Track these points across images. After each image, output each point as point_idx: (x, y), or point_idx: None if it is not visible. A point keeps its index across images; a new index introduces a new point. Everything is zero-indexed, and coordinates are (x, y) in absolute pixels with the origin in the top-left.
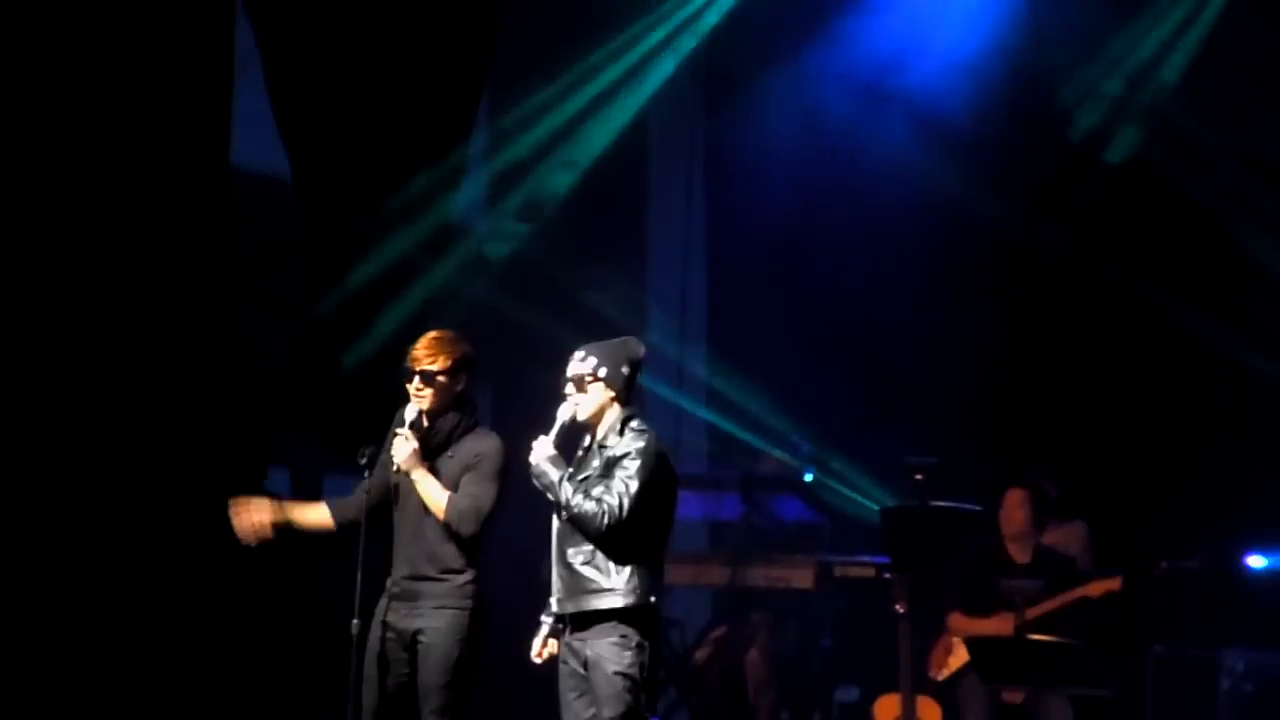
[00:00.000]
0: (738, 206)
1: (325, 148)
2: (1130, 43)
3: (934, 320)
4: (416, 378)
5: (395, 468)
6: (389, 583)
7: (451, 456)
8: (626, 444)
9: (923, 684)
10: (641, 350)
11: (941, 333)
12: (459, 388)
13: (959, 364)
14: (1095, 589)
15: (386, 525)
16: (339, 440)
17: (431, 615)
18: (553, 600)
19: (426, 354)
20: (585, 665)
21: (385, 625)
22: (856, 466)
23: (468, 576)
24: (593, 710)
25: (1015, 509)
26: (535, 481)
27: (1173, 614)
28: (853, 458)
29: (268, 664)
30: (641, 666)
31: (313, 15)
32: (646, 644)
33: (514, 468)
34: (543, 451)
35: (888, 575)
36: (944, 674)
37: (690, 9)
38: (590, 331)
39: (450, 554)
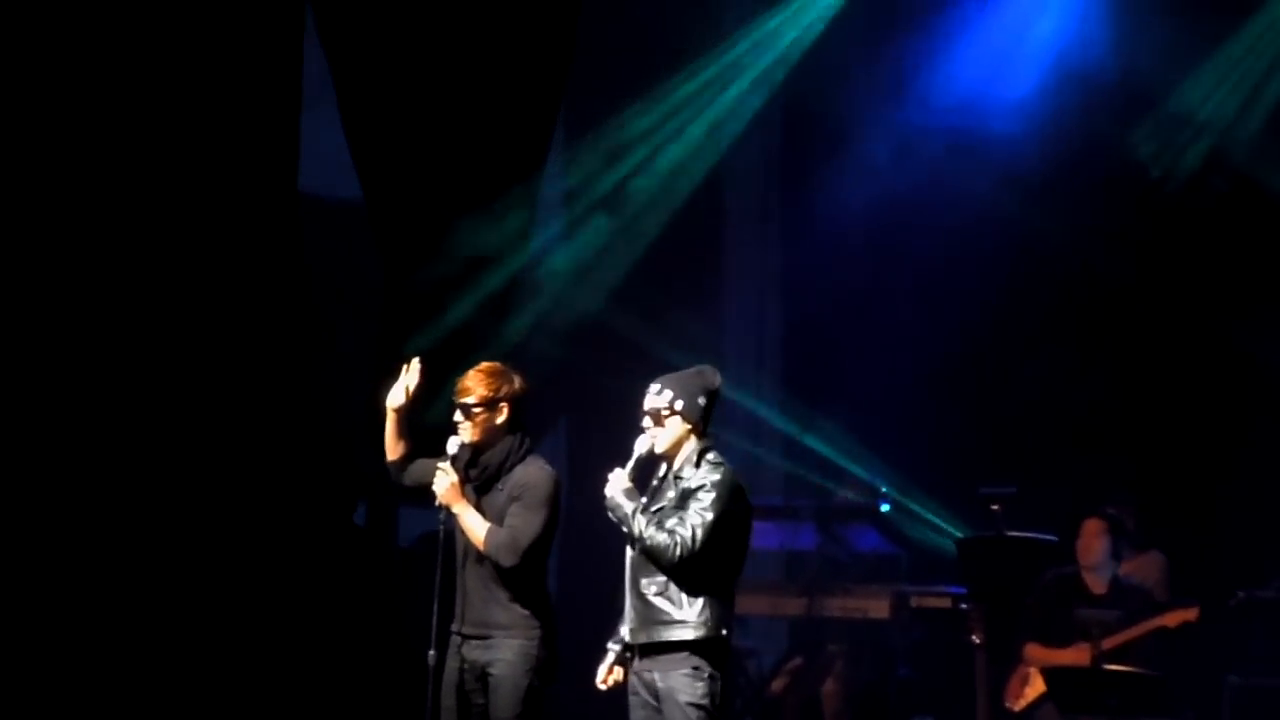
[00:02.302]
0: (814, 247)
1: (399, 176)
2: (1210, 82)
3: (1011, 352)
4: (458, 410)
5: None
6: (459, 614)
7: (500, 488)
8: (702, 476)
9: (999, 714)
10: (718, 380)
11: (1018, 365)
12: (500, 420)
13: (1036, 396)
14: (1172, 619)
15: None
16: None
17: (501, 647)
18: (624, 629)
19: (468, 387)
20: (657, 697)
21: (461, 657)
22: (933, 497)
23: (534, 607)
24: None
25: (1092, 539)
26: (610, 514)
27: (1249, 644)
28: (929, 488)
29: (347, 694)
30: (713, 697)
31: (386, 44)
32: (718, 675)
33: (580, 495)
34: (618, 484)
35: (964, 605)
36: (1020, 704)
37: (773, 54)
38: (665, 368)
39: (512, 585)
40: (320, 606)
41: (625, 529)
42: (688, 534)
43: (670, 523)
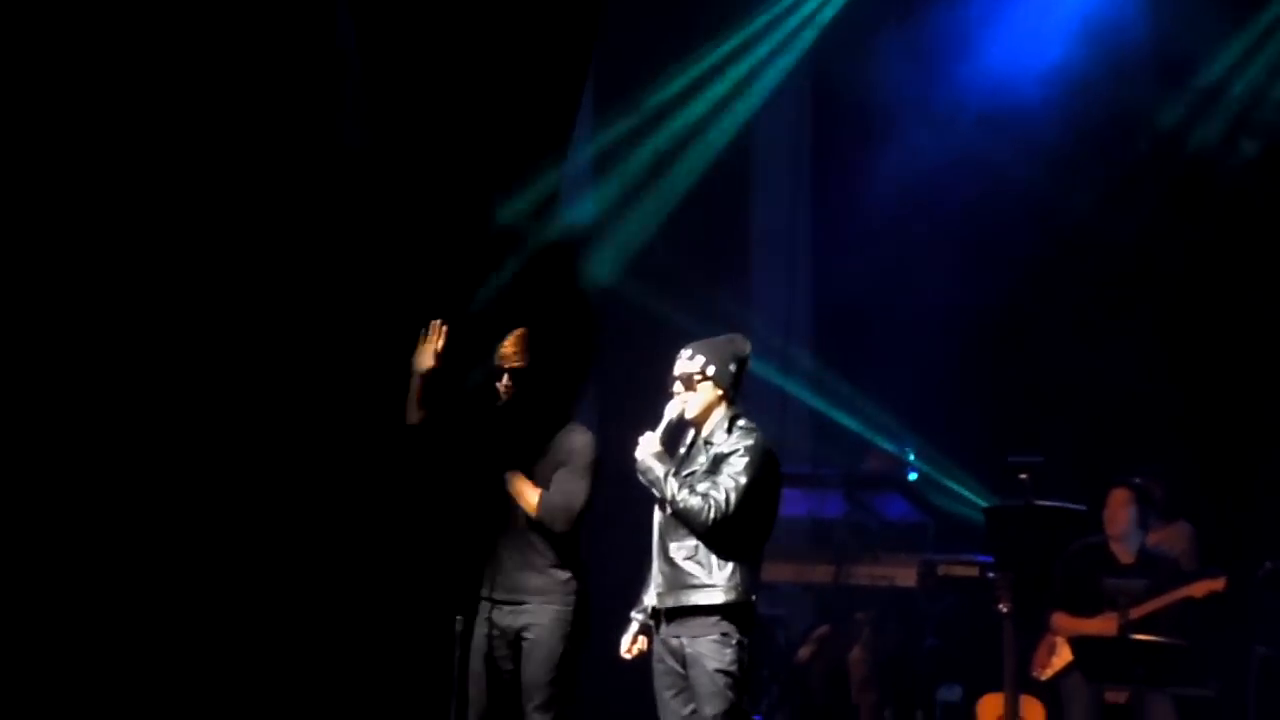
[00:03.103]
0: (844, 216)
1: (425, 150)
2: (1244, 54)
3: (1038, 322)
4: (507, 375)
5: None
6: (489, 580)
7: (546, 451)
8: (734, 441)
9: (1026, 683)
10: (748, 348)
11: (1045, 334)
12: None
13: (1064, 364)
14: (1199, 589)
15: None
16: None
17: (536, 612)
18: (651, 594)
19: (515, 352)
20: (684, 663)
21: (491, 623)
22: (961, 466)
23: (570, 572)
24: (690, 707)
25: (1120, 509)
26: (640, 477)
27: (1276, 614)
28: (957, 457)
29: (374, 660)
30: (741, 664)
31: (412, 18)
32: (746, 641)
33: (608, 462)
34: (648, 448)
35: (991, 574)
36: (1047, 673)
37: (797, 18)
38: (696, 335)
39: (552, 550)
40: (347, 574)
41: (656, 492)
42: (721, 497)
43: (703, 486)
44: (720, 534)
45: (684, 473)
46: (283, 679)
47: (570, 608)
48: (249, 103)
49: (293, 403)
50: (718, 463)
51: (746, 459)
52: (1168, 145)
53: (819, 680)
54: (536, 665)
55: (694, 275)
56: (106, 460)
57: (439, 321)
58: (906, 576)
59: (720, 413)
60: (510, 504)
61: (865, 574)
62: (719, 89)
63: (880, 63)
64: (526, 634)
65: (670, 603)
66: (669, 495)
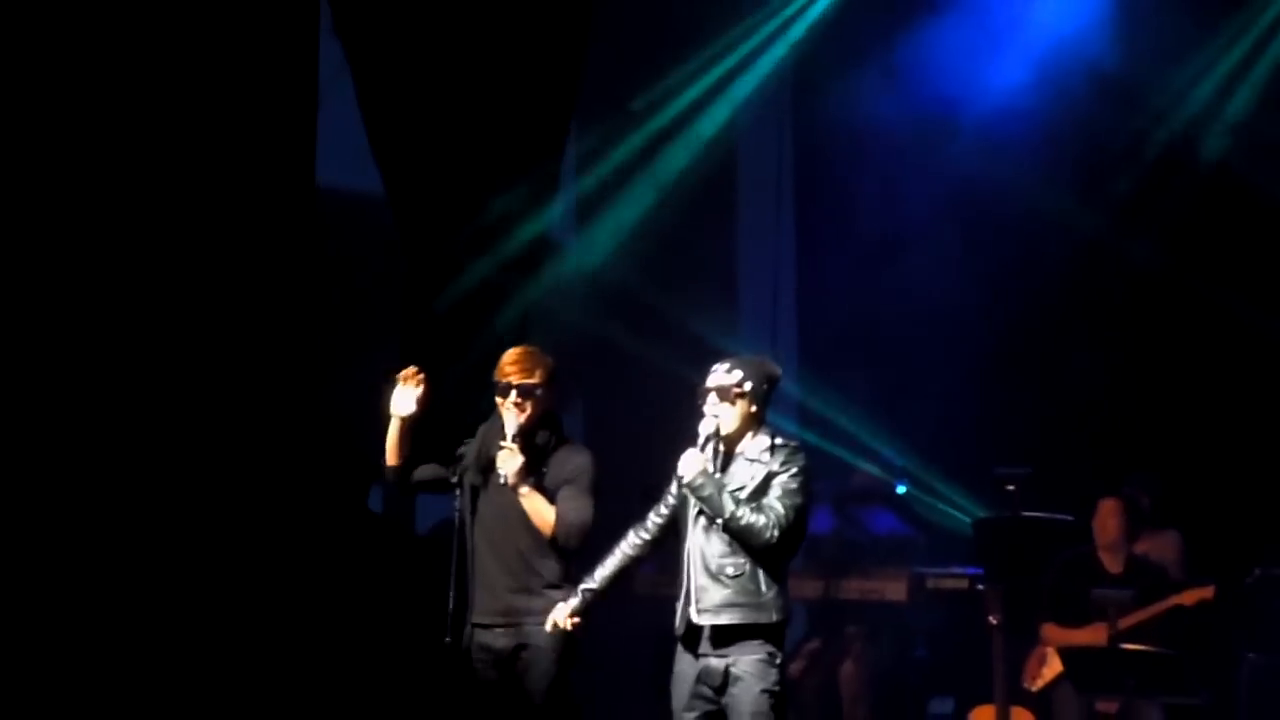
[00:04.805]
0: (828, 221)
1: (418, 163)
2: (1215, 52)
3: (1025, 332)
4: (514, 392)
5: (482, 482)
6: (480, 601)
7: (545, 471)
8: (787, 458)
9: (1017, 695)
10: (779, 371)
11: (1033, 344)
12: (550, 402)
13: (1051, 375)
14: (1188, 598)
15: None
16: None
17: (533, 634)
18: (688, 610)
19: (521, 369)
20: (723, 683)
21: (484, 643)
22: (948, 478)
23: (565, 592)
24: None
25: (1108, 518)
26: (691, 494)
27: (1266, 622)
28: (945, 470)
29: (363, 681)
30: (783, 684)
31: (402, 31)
32: (784, 661)
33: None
34: (695, 464)
35: (981, 586)
36: (1038, 684)
37: (778, 21)
38: (681, 350)
39: (551, 569)
40: (336, 594)
41: (709, 509)
42: (782, 513)
43: (762, 503)
44: (773, 553)
45: (730, 490)
46: (276, 699)
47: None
48: (222, 98)
49: (266, 421)
50: (769, 480)
51: (801, 479)
52: (1145, 154)
53: (810, 694)
54: (534, 685)
55: (678, 277)
56: (86, 467)
57: (414, 369)
58: (897, 590)
59: (754, 430)
60: (512, 521)
61: (855, 588)
62: (705, 91)
63: (860, 81)
64: (524, 653)
65: (721, 620)
66: (728, 512)
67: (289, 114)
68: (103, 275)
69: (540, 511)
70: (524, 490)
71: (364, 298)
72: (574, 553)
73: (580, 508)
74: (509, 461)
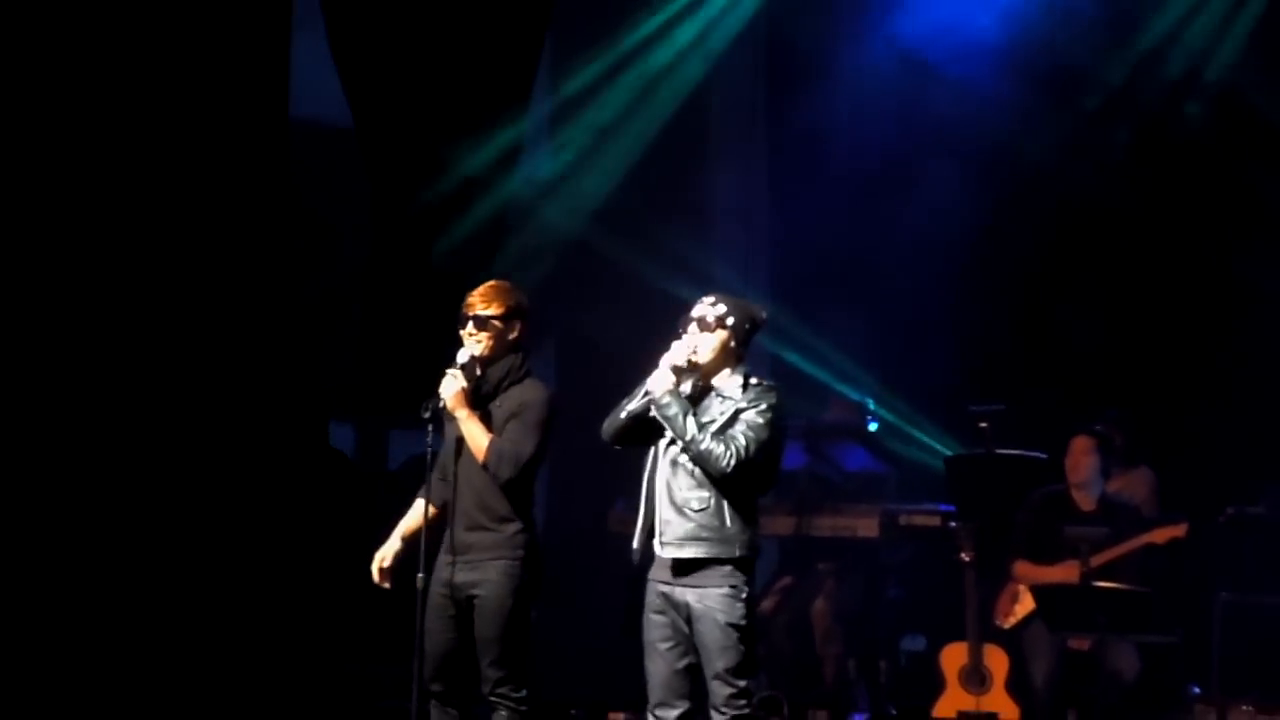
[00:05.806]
0: (801, 155)
1: (388, 99)
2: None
3: (999, 269)
4: (470, 322)
5: (441, 404)
6: (447, 536)
7: (499, 405)
8: (757, 395)
9: (989, 632)
10: (764, 314)
11: (1006, 282)
12: (512, 335)
13: (1025, 313)
14: (1161, 535)
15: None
16: (403, 394)
17: (485, 568)
18: (653, 544)
19: (481, 300)
20: (689, 617)
21: (444, 579)
22: (921, 415)
23: (518, 525)
24: (686, 660)
25: (1081, 456)
26: (656, 411)
27: (1238, 560)
28: (917, 406)
29: (337, 619)
30: (750, 617)
31: None
32: (752, 595)
33: (568, 411)
34: (665, 382)
35: (953, 524)
36: (1010, 622)
37: None
38: (655, 288)
39: (500, 503)
40: (308, 531)
41: (672, 429)
42: (743, 444)
43: (726, 434)
44: (737, 485)
45: (700, 421)
46: (245, 636)
47: (518, 562)
48: (197, 55)
49: (233, 359)
50: (736, 415)
51: (770, 415)
52: (1121, 96)
53: (781, 632)
54: (488, 621)
55: (652, 222)
56: (78, 468)
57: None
58: (868, 527)
59: (730, 367)
60: (467, 455)
61: (827, 525)
62: (675, 37)
63: (833, 10)
64: (477, 590)
65: (685, 553)
66: (689, 435)
67: (261, 48)
68: (68, 213)
69: (475, 437)
70: (460, 415)
71: (339, 232)
72: (516, 485)
73: (518, 440)
74: (449, 385)
